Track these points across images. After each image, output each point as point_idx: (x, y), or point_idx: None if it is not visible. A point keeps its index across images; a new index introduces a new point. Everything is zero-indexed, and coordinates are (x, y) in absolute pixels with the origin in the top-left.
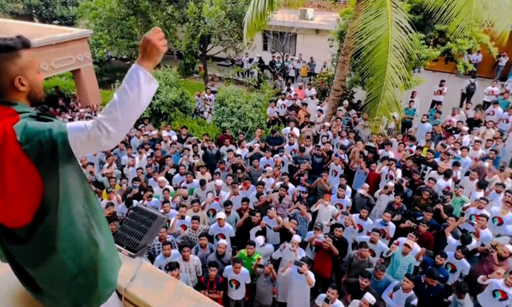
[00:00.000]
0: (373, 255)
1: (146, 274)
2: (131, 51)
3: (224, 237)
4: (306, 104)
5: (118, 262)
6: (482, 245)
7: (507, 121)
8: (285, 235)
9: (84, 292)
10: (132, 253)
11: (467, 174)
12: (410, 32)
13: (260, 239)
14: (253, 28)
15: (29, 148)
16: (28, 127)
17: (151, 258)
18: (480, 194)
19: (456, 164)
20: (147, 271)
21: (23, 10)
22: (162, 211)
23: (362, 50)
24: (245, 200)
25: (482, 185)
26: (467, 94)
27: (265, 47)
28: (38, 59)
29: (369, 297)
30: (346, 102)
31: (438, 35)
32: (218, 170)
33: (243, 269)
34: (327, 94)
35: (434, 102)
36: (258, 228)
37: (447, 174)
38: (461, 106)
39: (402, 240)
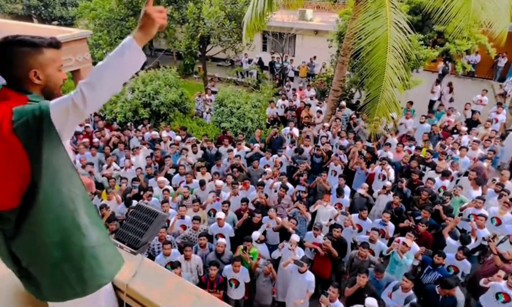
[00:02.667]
0: (373, 254)
1: (147, 270)
2: None
3: (223, 237)
4: (310, 106)
5: (112, 255)
6: (481, 245)
7: (497, 121)
8: (284, 235)
9: (68, 280)
10: (133, 250)
11: (466, 174)
12: (409, 33)
13: (255, 234)
14: (252, 29)
15: (17, 126)
16: (23, 108)
17: (151, 258)
18: (477, 192)
19: (453, 164)
20: (148, 267)
21: (23, 11)
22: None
23: (361, 51)
24: (245, 200)
25: (479, 182)
26: (442, 74)
27: (264, 48)
28: (61, 59)
29: (370, 303)
30: (343, 103)
31: (437, 36)
32: (216, 169)
33: (242, 268)
34: (326, 95)
35: (432, 102)
36: (265, 227)
37: (445, 174)
38: (436, 84)
39: (402, 239)
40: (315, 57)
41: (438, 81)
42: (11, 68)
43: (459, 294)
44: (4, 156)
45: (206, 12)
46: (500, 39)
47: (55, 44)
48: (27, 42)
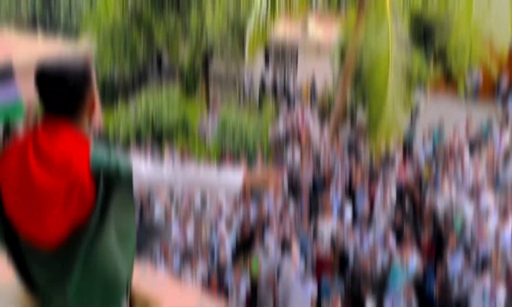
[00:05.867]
0: (374, 267)
1: (148, 272)
2: (133, 68)
3: (224, 249)
4: (308, 125)
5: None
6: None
7: (500, 143)
8: (285, 247)
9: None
10: None
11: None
12: (411, 50)
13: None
14: (256, 42)
15: (94, 169)
16: (97, 152)
17: None
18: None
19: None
20: (149, 270)
21: (27, 19)
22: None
23: (363, 70)
24: (246, 215)
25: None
26: None
27: (266, 65)
28: None
29: None
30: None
31: (439, 53)
32: None
33: (243, 277)
34: (328, 115)
35: None
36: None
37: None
38: None
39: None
40: (313, 77)
41: None
42: (77, 101)
43: None
44: (77, 192)
45: (209, 19)
46: (501, 55)
47: None
48: (89, 75)
